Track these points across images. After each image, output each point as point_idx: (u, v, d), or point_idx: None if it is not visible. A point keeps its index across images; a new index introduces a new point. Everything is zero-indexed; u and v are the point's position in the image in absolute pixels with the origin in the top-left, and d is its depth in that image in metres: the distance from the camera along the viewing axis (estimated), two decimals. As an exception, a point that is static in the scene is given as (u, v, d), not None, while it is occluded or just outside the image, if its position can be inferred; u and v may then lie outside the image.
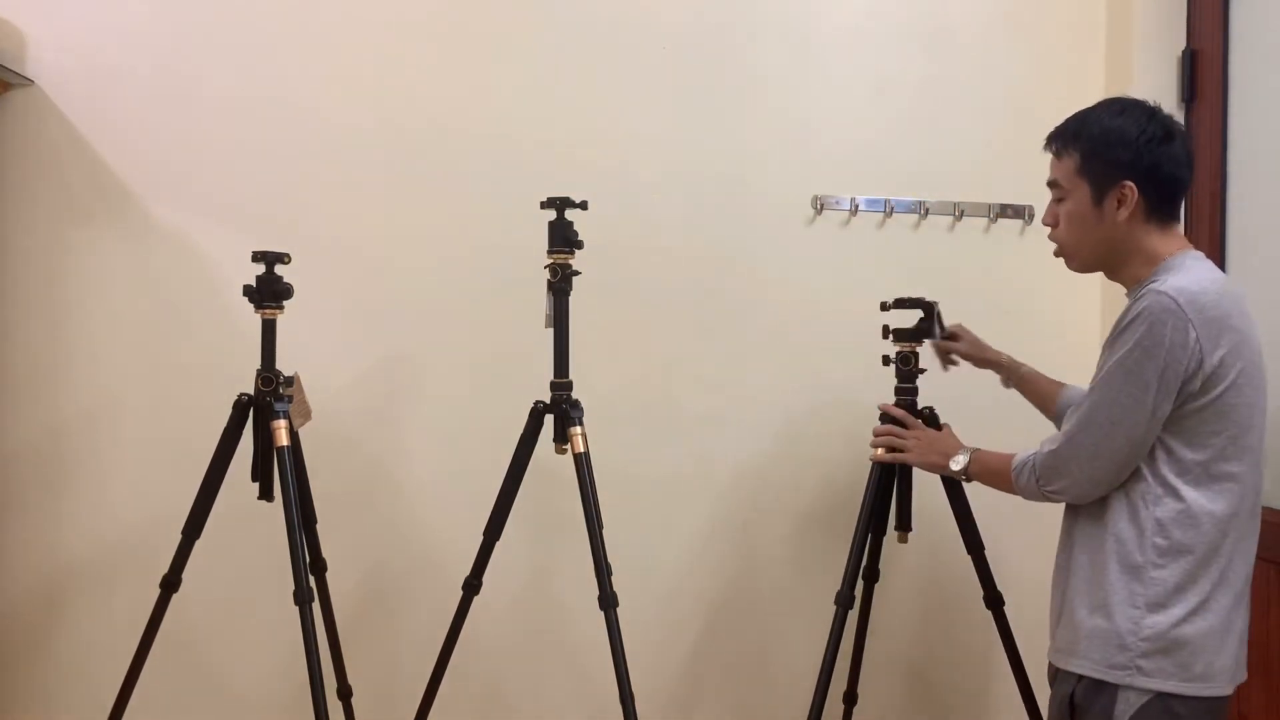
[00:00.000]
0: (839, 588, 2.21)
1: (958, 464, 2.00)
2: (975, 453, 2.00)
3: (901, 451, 2.18)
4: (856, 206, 2.69)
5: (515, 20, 2.60)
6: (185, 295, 2.51)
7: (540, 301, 2.21)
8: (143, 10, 2.50)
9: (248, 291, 2.15)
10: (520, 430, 2.21)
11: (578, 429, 2.16)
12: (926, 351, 2.31)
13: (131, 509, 2.49)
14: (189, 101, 2.51)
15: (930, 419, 2.28)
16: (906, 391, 2.29)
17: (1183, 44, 2.58)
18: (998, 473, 1.89)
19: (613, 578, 2.12)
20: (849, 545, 2.23)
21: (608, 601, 2.09)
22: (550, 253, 2.18)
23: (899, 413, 2.25)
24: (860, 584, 2.28)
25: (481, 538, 2.21)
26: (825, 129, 2.69)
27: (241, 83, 2.52)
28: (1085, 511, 1.72)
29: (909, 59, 2.71)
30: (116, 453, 2.49)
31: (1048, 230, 1.81)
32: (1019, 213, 2.71)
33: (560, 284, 2.18)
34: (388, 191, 2.56)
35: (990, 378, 2.25)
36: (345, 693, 2.40)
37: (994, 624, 2.24)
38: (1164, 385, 1.57)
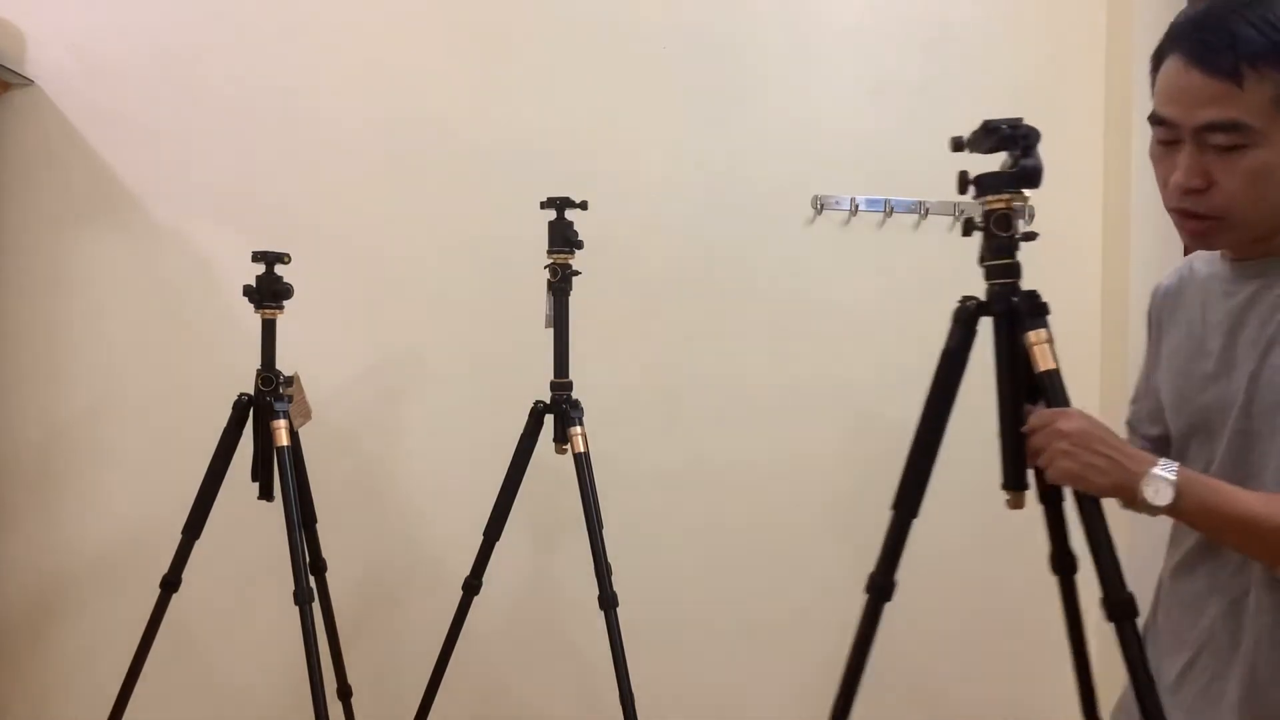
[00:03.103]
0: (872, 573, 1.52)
1: (1161, 496, 1.19)
2: (1186, 477, 1.20)
3: (1061, 465, 1.26)
4: (856, 206, 2.69)
5: (516, 21, 2.60)
6: (185, 295, 2.51)
7: (540, 301, 2.21)
8: (143, 10, 2.50)
9: (248, 291, 2.15)
10: (520, 430, 2.21)
11: (578, 429, 2.17)
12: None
13: (131, 509, 2.49)
14: (189, 101, 2.51)
15: (1034, 306, 1.44)
16: (1004, 271, 1.45)
17: (1183, 44, 2.58)
18: (1245, 522, 1.18)
19: (613, 578, 2.12)
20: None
21: (608, 601, 2.09)
22: (550, 253, 2.18)
23: (1044, 414, 1.32)
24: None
25: (481, 538, 2.21)
26: (825, 129, 2.69)
27: (242, 83, 2.52)
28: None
29: (909, 59, 2.71)
30: (116, 453, 2.49)
31: (1185, 190, 1.19)
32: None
33: (560, 284, 2.18)
34: (388, 192, 2.56)
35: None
36: (345, 693, 2.40)
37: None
38: None
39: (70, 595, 2.49)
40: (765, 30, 2.67)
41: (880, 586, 1.47)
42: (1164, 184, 1.21)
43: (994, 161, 1.48)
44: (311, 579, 2.13)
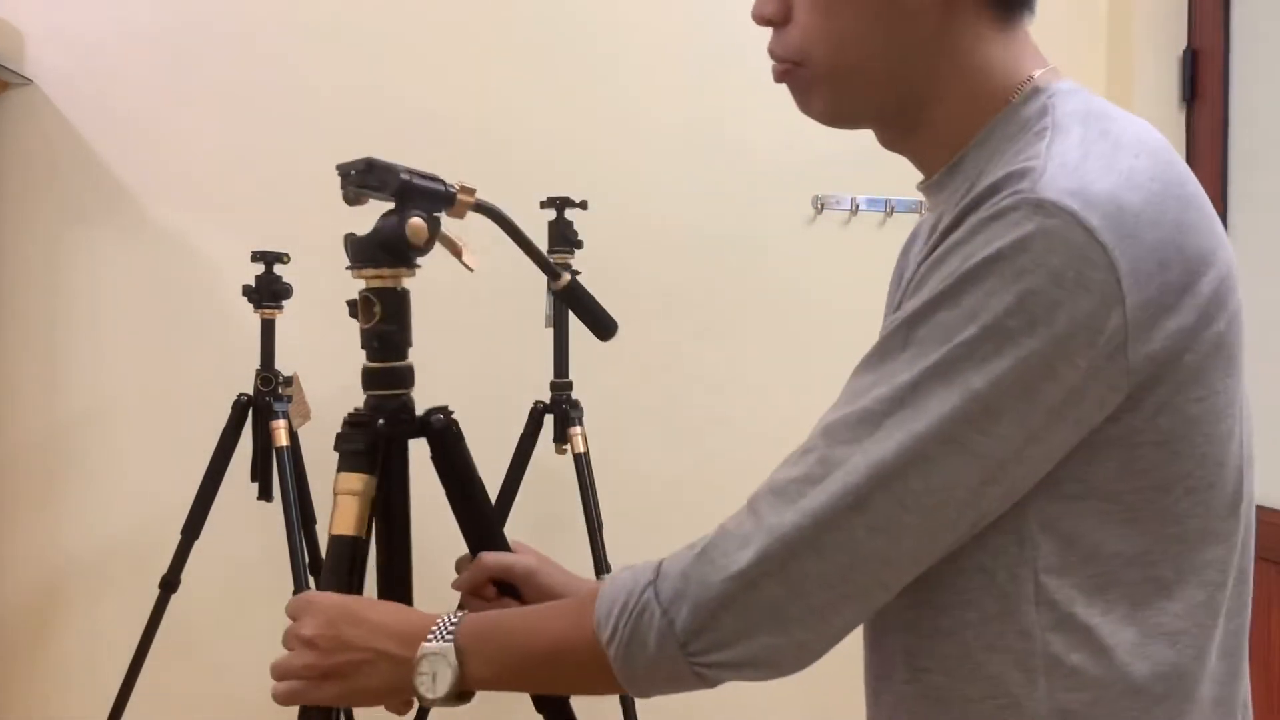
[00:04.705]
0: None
1: (439, 679, 0.92)
2: (472, 629, 0.93)
3: (325, 690, 0.97)
4: (856, 206, 2.69)
5: (515, 19, 2.60)
6: (185, 295, 2.51)
7: (540, 301, 2.21)
8: (143, 10, 2.50)
9: (247, 291, 2.15)
10: (520, 430, 2.21)
11: (578, 429, 2.17)
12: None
13: (131, 509, 2.49)
14: (189, 101, 2.51)
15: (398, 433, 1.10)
16: (379, 379, 1.15)
17: (1183, 44, 2.58)
18: (551, 651, 0.90)
19: (613, 578, 2.12)
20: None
21: (607, 602, 2.09)
22: (550, 252, 2.18)
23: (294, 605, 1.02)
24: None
25: (481, 538, 2.21)
26: (825, 129, 2.69)
27: (242, 82, 2.52)
28: (885, 685, 0.89)
29: (909, 59, 2.71)
30: (116, 453, 2.49)
31: (760, 19, 0.97)
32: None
33: (560, 284, 2.18)
34: (387, 191, 2.56)
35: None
36: (345, 693, 2.40)
37: None
38: (1051, 408, 0.73)
39: (70, 595, 2.49)
40: (766, 29, 2.67)
41: None
42: None
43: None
44: (311, 579, 2.13)
